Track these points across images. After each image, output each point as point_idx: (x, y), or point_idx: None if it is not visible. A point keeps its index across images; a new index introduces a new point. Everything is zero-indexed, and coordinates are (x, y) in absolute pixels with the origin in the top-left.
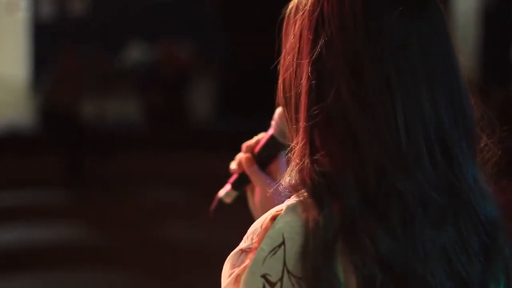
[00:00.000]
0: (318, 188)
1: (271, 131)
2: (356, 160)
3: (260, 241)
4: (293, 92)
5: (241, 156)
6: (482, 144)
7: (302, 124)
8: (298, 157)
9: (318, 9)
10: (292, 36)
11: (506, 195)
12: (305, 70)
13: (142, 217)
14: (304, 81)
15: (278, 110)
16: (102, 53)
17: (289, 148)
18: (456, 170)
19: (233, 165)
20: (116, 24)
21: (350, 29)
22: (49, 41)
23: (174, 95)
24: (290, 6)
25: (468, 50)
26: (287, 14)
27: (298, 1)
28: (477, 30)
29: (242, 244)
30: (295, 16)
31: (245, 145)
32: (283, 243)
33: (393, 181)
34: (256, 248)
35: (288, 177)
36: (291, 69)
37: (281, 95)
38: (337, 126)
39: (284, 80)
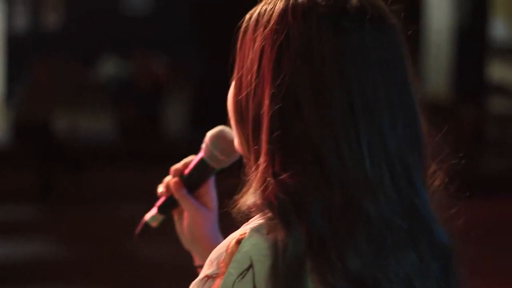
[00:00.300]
0: (285, 208)
1: (201, 154)
2: (322, 182)
3: (227, 265)
4: (251, 113)
5: (169, 179)
6: (432, 170)
7: (264, 145)
8: (261, 178)
9: (282, 28)
10: (251, 54)
11: (462, 217)
12: (267, 91)
13: (115, 232)
14: (266, 103)
15: (210, 133)
16: (76, 66)
17: (248, 168)
18: (416, 193)
19: (160, 189)
20: (91, 38)
21: (317, 53)
22: (23, 54)
23: (149, 109)
24: (247, 18)
25: (442, 68)
26: (244, 27)
27: (258, 14)
28: (451, 49)
29: (207, 271)
30: (254, 31)
31: (173, 168)
32: (251, 266)
33: (359, 202)
34: (223, 273)
35: (252, 198)
36: (250, 88)
37: (235, 114)
38: (302, 149)
39: (241, 99)
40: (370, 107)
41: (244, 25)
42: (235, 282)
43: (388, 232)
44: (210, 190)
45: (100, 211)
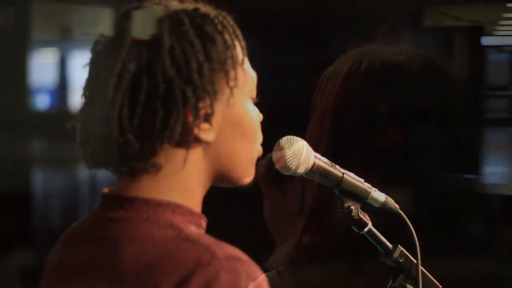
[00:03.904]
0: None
1: None
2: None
3: None
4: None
5: (260, 166)
6: None
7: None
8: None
9: (343, 90)
10: (323, 104)
11: None
12: (325, 139)
13: None
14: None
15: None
16: None
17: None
18: None
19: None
20: None
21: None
22: None
23: None
24: (323, 76)
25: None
26: (320, 82)
27: (329, 75)
28: None
29: None
30: (325, 87)
31: (267, 157)
32: None
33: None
34: None
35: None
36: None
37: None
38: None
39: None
40: None
41: (320, 81)
42: None
43: None
44: (293, 188)
45: None
